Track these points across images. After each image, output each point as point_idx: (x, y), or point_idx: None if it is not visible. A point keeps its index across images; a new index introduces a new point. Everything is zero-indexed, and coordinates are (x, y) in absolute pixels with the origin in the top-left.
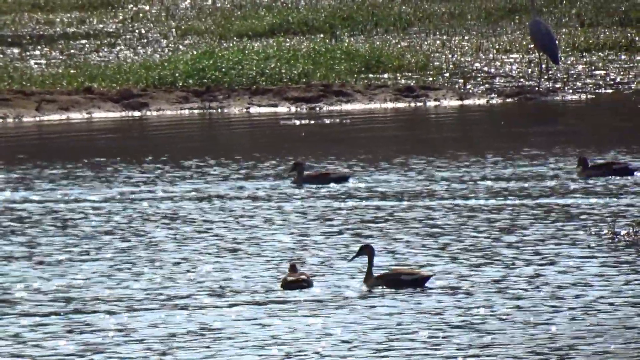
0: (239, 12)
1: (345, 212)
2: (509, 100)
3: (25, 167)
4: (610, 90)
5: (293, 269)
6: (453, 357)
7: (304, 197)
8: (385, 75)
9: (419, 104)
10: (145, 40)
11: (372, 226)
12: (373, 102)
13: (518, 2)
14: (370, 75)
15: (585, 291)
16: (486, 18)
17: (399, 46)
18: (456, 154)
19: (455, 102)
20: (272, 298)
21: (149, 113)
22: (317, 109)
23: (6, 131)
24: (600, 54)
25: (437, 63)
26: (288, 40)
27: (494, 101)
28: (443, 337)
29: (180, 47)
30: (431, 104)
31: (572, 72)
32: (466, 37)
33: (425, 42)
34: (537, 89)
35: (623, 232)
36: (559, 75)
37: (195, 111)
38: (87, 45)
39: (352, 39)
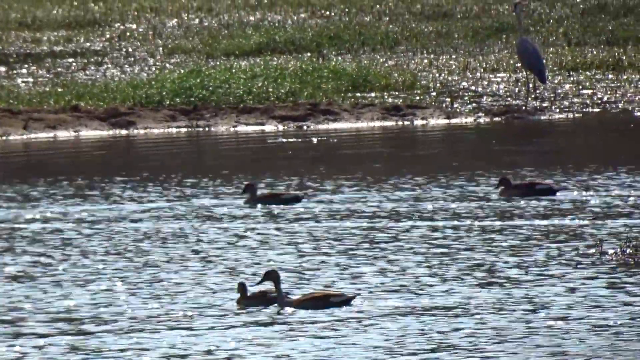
0: (226, 31)
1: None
2: (496, 119)
3: (12, 186)
4: (597, 110)
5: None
6: None
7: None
8: (373, 94)
9: (406, 122)
10: (133, 59)
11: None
12: (360, 121)
13: (505, 21)
14: (358, 94)
15: (588, 312)
16: (473, 37)
17: (386, 65)
18: (441, 173)
19: (442, 121)
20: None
21: (136, 131)
22: (305, 127)
23: None
24: (587, 73)
25: (425, 82)
26: (275, 59)
27: (481, 120)
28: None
29: (168, 65)
30: (418, 122)
31: (560, 91)
32: (453, 56)
33: (413, 61)
34: (524, 107)
35: (611, 251)
36: (546, 94)
37: (183, 130)
38: (74, 64)
39: (339, 58)
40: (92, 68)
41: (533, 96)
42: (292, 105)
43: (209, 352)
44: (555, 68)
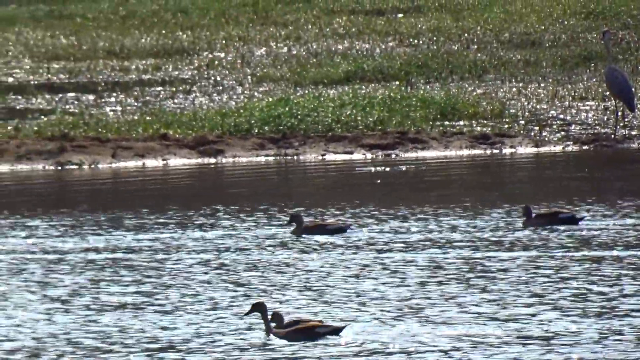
0: (314, 60)
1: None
2: (584, 147)
3: (103, 214)
4: None
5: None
6: None
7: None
8: (461, 123)
9: (494, 151)
10: (221, 87)
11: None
12: (449, 149)
13: (594, 50)
14: (446, 123)
15: None
16: (562, 65)
17: (475, 93)
18: (531, 201)
19: (531, 149)
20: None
21: (224, 160)
22: (393, 156)
23: (82, 178)
24: None
25: (513, 110)
26: (363, 87)
27: (569, 148)
28: None
29: (256, 94)
30: (507, 151)
31: None
32: (542, 85)
33: (501, 90)
34: (613, 136)
35: None
36: (635, 122)
37: (271, 158)
38: (162, 92)
39: (428, 87)
40: (181, 96)
41: (622, 124)
42: (381, 134)
43: None
44: None
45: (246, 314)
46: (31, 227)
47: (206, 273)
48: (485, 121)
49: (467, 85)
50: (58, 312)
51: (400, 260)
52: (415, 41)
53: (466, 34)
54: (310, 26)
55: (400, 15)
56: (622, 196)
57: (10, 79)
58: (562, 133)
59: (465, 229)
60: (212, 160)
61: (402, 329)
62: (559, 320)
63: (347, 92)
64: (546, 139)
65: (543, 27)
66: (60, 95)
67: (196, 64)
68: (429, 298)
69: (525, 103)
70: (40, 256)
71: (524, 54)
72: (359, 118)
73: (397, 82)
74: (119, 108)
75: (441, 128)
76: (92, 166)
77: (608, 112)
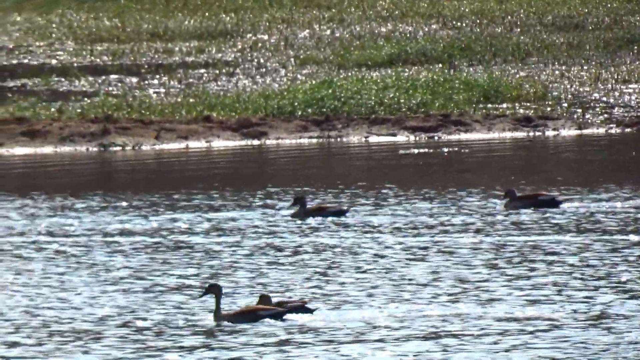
0: (357, 42)
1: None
2: (627, 130)
3: (146, 195)
4: None
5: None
6: None
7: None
8: (504, 105)
9: (537, 133)
10: (264, 70)
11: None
12: (491, 132)
13: (637, 33)
14: (489, 105)
15: None
16: (605, 48)
17: (518, 76)
18: (571, 184)
19: (573, 132)
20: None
21: (267, 142)
22: (436, 138)
23: (126, 159)
24: None
25: (556, 93)
26: (406, 70)
27: (612, 131)
28: None
29: (299, 76)
30: (550, 133)
31: None
32: (585, 67)
33: (544, 72)
34: None
35: None
36: None
37: (314, 140)
38: (205, 74)
39: (471, 69)
40: (224, 79)
41: None
42: (424, 116)
43: None
44: None
45: (201, 295)
46: (77, 209)
47: (266, 254)
48: (528, 104)
49: (510, 68)
50: (116, 293)
51: (450, 242)
52: (459, 24)
53: (509, 17)
54: (353, 8)
55: None
56: None
57: (54, 61)
58: (605, 116)
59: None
60: (256, 142)
61: (465, 310)
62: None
63: (390, 74)
64: (589, 121)
65: (586, 10)
66: (104, 77)
67: (239, 47)
68: (486, 280)
69: (568, 86)
70: (84, 237)
71: (567, 36)
72: (402, 100)
73: (440, 65)
74: (162, 90)
75: (484, 110)
76: (136, 148)
77: None
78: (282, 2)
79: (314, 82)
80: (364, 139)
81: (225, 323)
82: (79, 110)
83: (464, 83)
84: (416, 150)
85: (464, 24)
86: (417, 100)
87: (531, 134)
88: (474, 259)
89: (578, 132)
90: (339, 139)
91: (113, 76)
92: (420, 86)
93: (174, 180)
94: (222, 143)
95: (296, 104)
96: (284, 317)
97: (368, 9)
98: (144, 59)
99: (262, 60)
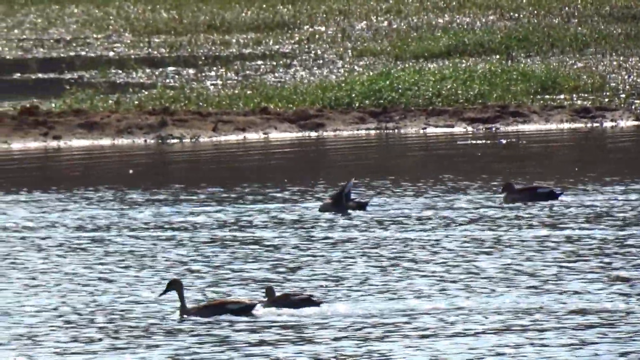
0: (414, 34)
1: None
2: None
3: (206, 187)
4: None
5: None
6: None
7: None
8: (562, 96)
9: (595, 124)
10: (321, 61)
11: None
12: (549, 123)
13: None
14: (547, 96)
15: None
16: None
17: (575, 67)
18: (630, 176)
19: (632, 123)
20: None
21: (325, 134)
22: (494, 129)
23: (183, 151)
24: None
25: (614, 84)
26: (464, 61)
27: None
28: None
29: (356, 67)
30: (608, 124)
31: None
32: None
33: (602, 63)
34: None
35: None
36: None
37: (372, 131)
38: (262, 66)
39: (528, 60)
40: (281, 70)
41: None
42: (481, 108)
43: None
44: None
45: (163, 293)
46: (138, 201)
47: (334, 245)
48: (585, 95)
49: (567, 59)
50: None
51: (504, 235)
52: (516, 15)
53: (567, 8)
54: (410, 0)
55: None
56: None
57: (111, 53)
58: None
59: (577, 205)
60: (313, 133)
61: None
62: None
63: (448, 65)
64: None
65: None
66: (161, 69)
67: (297, 38)
68: (532, 274)
69: (626, 77)
70: (141, 229)
71: (624, 27)
72: (460, 92)
73: (498, 56)
74: (219, 82)
75: (542, 102)
76: (193, 140)
77: None
78: None
79: (371, 73)
80: (421, 131)
81: (194, 318)
82: (136, 103)
83: (522, 74)
84: (474, 141)
85: (521, 15)
86: (475, 92)
87: (589, 125)
88: (544, 254)
89: (636, 122)
90: (396, 131)
91: (170, 68)
92: (478, 77)
93: (235, 171)
94: (279, 135)
95: (353, 95)
96: (253, 310)
97: (425, 0)
98: (201, 51)
99: (319, 52)
